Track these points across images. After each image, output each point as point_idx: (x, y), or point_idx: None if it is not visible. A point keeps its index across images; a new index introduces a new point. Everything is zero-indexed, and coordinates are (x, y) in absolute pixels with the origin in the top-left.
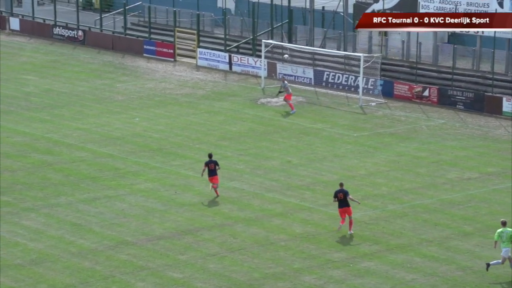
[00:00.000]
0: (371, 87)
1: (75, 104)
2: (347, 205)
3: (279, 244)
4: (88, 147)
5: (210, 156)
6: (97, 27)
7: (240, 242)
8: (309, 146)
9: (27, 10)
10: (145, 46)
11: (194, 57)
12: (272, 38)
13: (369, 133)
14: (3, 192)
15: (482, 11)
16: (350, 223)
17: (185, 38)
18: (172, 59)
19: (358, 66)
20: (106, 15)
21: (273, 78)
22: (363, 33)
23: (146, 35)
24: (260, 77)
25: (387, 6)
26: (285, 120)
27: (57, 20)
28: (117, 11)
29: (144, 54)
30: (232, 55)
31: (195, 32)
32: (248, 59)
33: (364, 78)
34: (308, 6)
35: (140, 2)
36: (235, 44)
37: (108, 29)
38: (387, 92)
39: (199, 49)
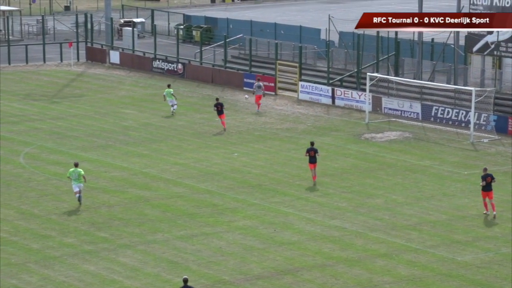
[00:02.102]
0: (484, 123)
1: (173, 138)
2: (490, 189)
3: (383, 286)
4: (185, 182)
5: (312, 144)
6: (197, 60)
7: (342, 283)
8: (416, 184)
9: (127, 44)
10: (245, 79)
11: (295, 91)
12: (377, 71)
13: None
14: (101, 227)
15: None
16: (492, 205)
17: (287, 71)
18: (273, 93)
19: (470, 100)
20: (206, 47)
21: (378, 113)
22: (475, 66)
23: (247, 68)
24: (364, 111)
25: (501, 38)
26: (390, 157)
27: (157, 53)
28: (217, 43)
29: (244, 88)
30: (335, 88)
31: (297, 65)
32: (352, 92)
33: (476, 113)
34: (416, 38)
35: (241, 35)
36: (339, 78)
37: (208, 62)
38: (501, 128)
39: (301, 83)
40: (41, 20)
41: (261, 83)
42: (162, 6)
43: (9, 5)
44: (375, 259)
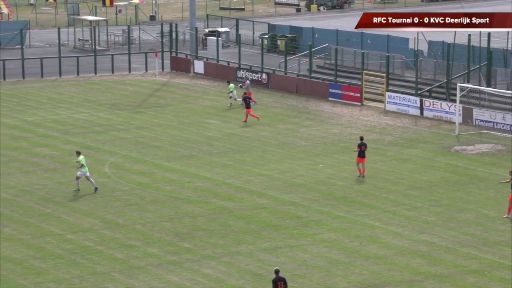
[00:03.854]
0: None
1: (257, 149)
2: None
3: None
4: (269, 193)
5: (361, 138)
6: (281, 69)
7: None
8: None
9: (211, 53)
10: (330, 90)
11: (382, 101)
12: (468, 82)
13: None
14: (184, 238)
15: None
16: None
17: (373, 82)
18: (359, 103)
19: None
20: (291, 57)
21: (469, 124)
22: None
23: (332, 78)
24: (454, 123)
25: None
26: (481, 170)
27: (241, 62)
28: (302, 53)
29: (329, 98)
30: (424, 99)
31: (384, 75)
32: (441, 103)
33: None
34: (510, 47)
35: (327, 44)
36: (428, 88)
37: (292, 72)
38: None
39: (387, 93)
40: (127, 30)
41: (248, 82)
42: (247, 15)
43: (96, 16)
44: (466, 276)
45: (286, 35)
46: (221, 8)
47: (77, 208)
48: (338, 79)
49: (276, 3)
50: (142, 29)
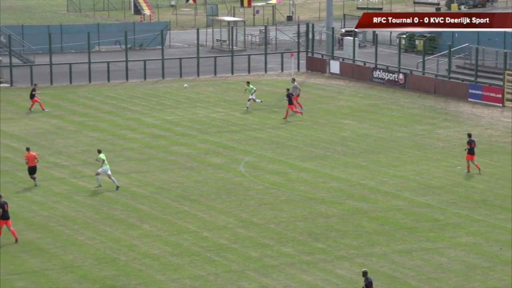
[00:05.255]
0: None
1: (392, 150)
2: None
3: None
4: (405, 195)
5: (469, 135)
6: (419, 70)
7: None
8: None
9: (347, 53)
10: (470, 90)
11: None
12: None
13: None
14: (318, 238)
15: None
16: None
17: None
18: (500, 104)
19: None
20: (429, 57)
21: None
22: None
23: (472, 78)
24: None
25: None
26: None
27: (377, 63)
28: (441, 53)
29: (469, 99)
30: None
31: None
32: None
33: None
34: None
35: (467, 44)
36: None
37: (430, 72)
38: None
39: None
40: (263, 31)
41: (296, 84)
42: None
43: (234, 16)
44: None
45: (425, 35)
46: (358, 8)
47: (212, 206)
48: (479, 79)
49: (415, 3)
50: (279, 29)
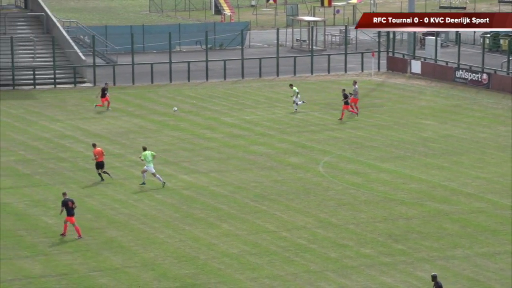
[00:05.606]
0: None
1: (475, 151)
2: None
3: None
4: (488, 197)
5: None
6: (503, 70)
7: None
8: None
9: (429, 53)
10: None
11: None
12: None
13: None
14: (398, 240)
15: None
16: None
17: None
18: None
19: None
20: None
21: None
22: None
23: None
24: None
25: None
26: None
27: (460, 62)
28: None
29: None
30: None
31: None
32: None
33: None
34: None
35: None
36: None
37: None
38: None
39: None
40: (344, 30)
41: (357, 87)
42: None
43: (314, 16)
44: None
45: (510, 34)
46: (441, 7)
47: (291, 206)
48: None
49: (500, 1)
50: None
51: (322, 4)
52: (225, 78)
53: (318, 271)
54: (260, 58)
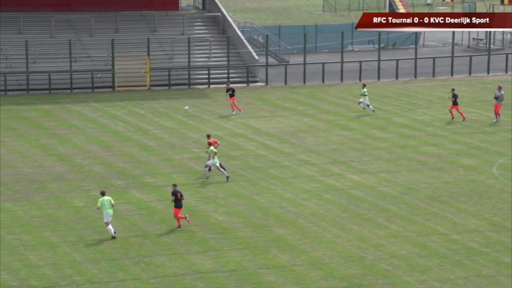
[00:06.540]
0: None
1: None
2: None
3: None
4: None
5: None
6: None
7: None
8: None
9: None
10: None
11: None
12: None
13: None
14: None
15: None
16: None
17: None
18: None
19: None
20: None
21: None
22: None
23: None
24: None
25: None
26: None
27: None
28: None
29: None
30: None
31: None
32: None
33: None
34: None
35: None
36: None
37: None
38: None
39: None
40: None
41: (503, 92)
42: None
43: None
44: None
45: None
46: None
47: (463, 209)
48: None
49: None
50: None
51: (502, 2)
52: (397, 77)
53: (491, 276)
54: (434, 58)
